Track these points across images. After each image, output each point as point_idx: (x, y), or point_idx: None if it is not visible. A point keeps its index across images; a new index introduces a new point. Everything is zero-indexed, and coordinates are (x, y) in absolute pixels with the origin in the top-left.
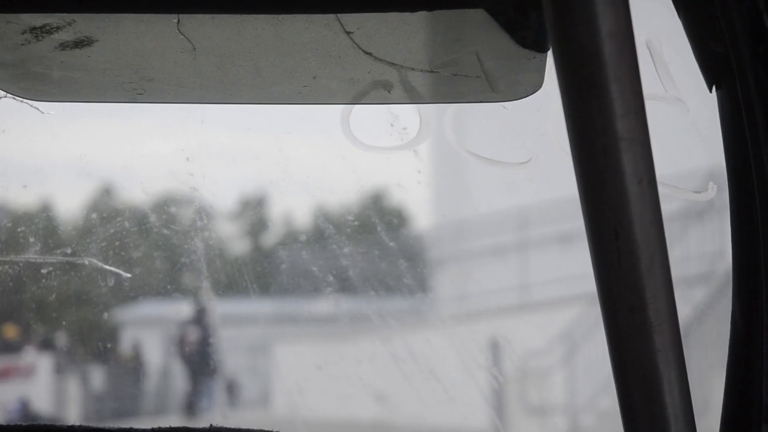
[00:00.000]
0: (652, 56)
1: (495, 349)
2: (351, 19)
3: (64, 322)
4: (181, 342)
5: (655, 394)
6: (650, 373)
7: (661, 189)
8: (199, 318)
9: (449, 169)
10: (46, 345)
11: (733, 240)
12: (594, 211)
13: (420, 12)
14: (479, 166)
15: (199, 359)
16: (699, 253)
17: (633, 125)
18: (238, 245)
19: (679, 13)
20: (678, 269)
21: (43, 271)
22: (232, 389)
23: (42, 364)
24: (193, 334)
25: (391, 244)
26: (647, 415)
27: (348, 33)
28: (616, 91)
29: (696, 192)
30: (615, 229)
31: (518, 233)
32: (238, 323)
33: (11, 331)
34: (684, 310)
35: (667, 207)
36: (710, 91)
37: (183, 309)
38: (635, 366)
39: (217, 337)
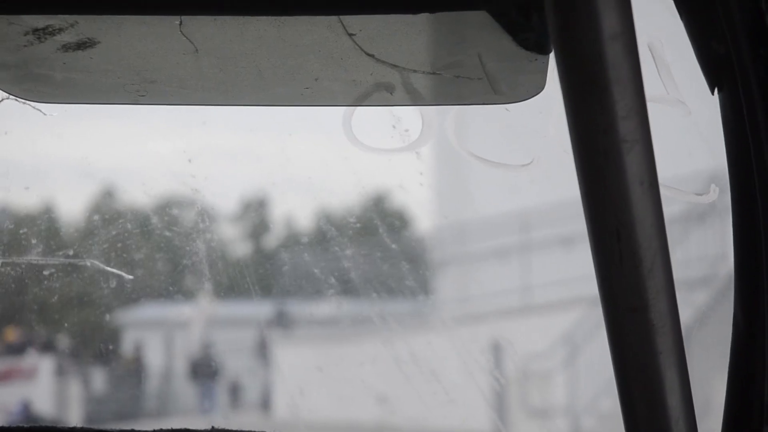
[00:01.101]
0: (654, 58)
1: (497, 351)
2: (353, 21)
3: (65, 324)
4: (263, 343)
5: (656, 396)
6: (652, 374)
7: (662, 191)
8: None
9: (451, 171)
10: (48, 347)
11: (735, 242)
12: (596, 212)
13: (422, 14)
14: (481, 168)
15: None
16: (701, 256)
17: (635, 127)
18: (240, 247)
19: (680, 15)
20: (680, 272)
21: (45, 272)
22: (234, 391)
23: (44, 366)
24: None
25: (393, 246)
26: (649, 416)
27: (350, 35)
28: (618, 93)
29: (698, 194)
30: (617, 231)
31: (520, 235)
32: (239, 325)
33: (11, 334)
34: (686, 313)
35: (668, 209)
36: (712, 93)
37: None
38: (637, 367)
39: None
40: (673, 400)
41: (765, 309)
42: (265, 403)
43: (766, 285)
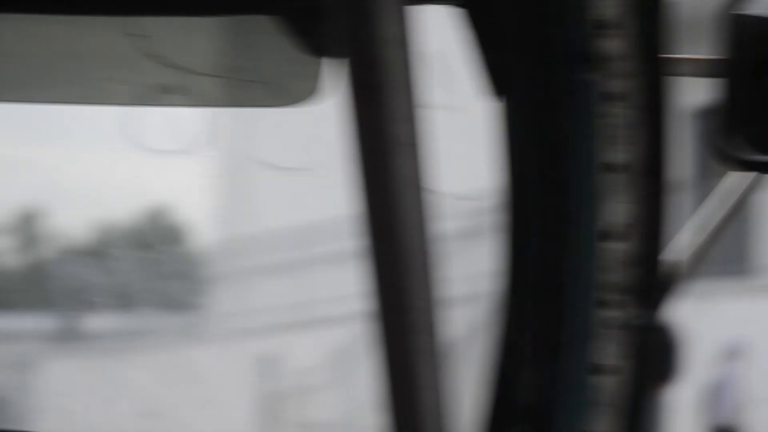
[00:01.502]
0: (434, 66)
1: (266, 365)
2: (140, 23)
3: None
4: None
5: (414, 395)
6: (411, 373)
7: (434, 197)
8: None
9: (233, 180)
10: None
11: (503, 251)
12: (366, 215)
13: (209, 17)
14: (263, 177)
15: None
16: (472, 270)
17: (410, 132)
18: (10, 259)
19: (462, 25)
20: (453, 286)
21: None
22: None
23: None
24: None
25: (169, 259)
26: (406, 414)
27: (135, 36)
28: (395, 98)
29: (469, 200)
30: (387, 234)
31: (296, 251)
32: (6, 339)
33: None
34: (454, 325)
35: (444, 221)
36: (490, 102)
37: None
38: (397, 367)
39: None
40: (430, 398)
41: (522, 316)
42: (30, 419)
43: (522, 294)
